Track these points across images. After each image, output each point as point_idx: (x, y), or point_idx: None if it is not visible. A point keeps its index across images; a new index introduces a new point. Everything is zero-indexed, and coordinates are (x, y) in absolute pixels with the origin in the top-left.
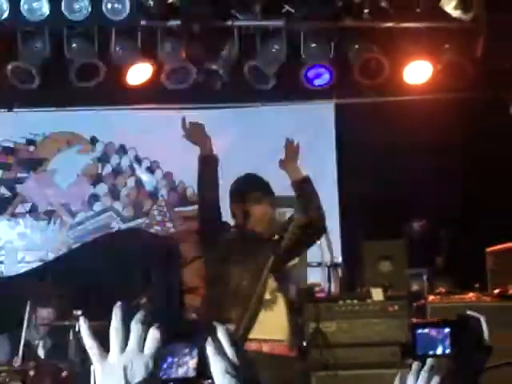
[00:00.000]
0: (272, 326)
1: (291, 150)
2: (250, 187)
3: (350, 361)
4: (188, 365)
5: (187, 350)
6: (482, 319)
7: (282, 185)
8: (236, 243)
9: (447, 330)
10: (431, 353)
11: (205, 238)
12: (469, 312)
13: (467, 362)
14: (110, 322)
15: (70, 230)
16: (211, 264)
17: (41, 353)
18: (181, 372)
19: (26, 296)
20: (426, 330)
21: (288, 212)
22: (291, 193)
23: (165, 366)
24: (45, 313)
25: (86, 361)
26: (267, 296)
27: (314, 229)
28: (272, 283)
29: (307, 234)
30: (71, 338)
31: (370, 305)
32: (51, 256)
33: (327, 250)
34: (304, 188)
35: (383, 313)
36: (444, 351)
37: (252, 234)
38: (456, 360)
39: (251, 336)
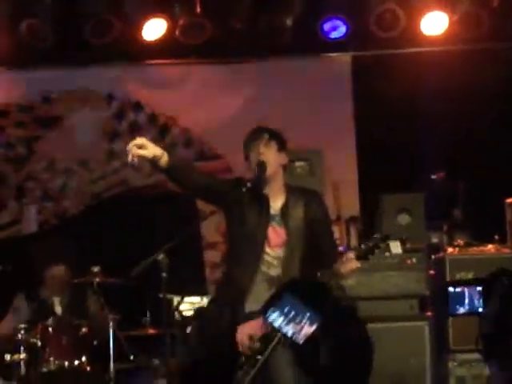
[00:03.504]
0: None
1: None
2: (254, 133)
3: (368, 314)
4: (301, 330)
5: (309, 315)
6: None
7: (299, 136)
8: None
9: (479, 288)
10: (463, 311)
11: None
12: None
13: (500, 320)
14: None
15: (88, 186)
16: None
17: (58, 310)
18: (290, 330)
19: (37, 254)
20: (458, 289)
21: (304, 166)
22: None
23: (278, 313)
24: (56, 271)
25: (105, 316)
26: None
27: None
28: None
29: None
30: (89, 294)
31: (389, 258)
32: (70, 212)
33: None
34: None
35: (401, 266)
36: (477, 309)
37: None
38: (488, 318)
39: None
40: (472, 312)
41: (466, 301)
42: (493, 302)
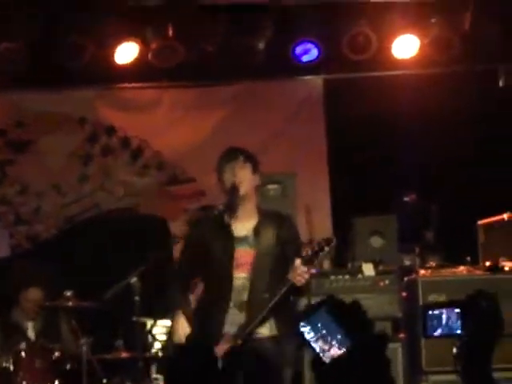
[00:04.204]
0: None
1: None
2: (228, 154)
3: None
4: (329, 350)
5: (339, 338)
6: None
7: (272, 159)
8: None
9: (457, 310)
10: (442, 333)
11: None
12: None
13: (478, 340)
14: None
15: (60, 209)
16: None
17: (31, 334)
18: (317, 347)
19: (12, 277)
20: (437, 312)
21: (277, 189)
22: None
23: (311, 327)
24: (32, 294)
25: (77, 341)
26: None
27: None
28: None
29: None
30: (62, 317)
31: (361, 280)
32: (43, 236)
33: (306, 228)
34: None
35: (374, 288)
36: (455, 331)
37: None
38: (467, 339)
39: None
40: (449, 334)
41: (444, 323)
42: (471, 324)
